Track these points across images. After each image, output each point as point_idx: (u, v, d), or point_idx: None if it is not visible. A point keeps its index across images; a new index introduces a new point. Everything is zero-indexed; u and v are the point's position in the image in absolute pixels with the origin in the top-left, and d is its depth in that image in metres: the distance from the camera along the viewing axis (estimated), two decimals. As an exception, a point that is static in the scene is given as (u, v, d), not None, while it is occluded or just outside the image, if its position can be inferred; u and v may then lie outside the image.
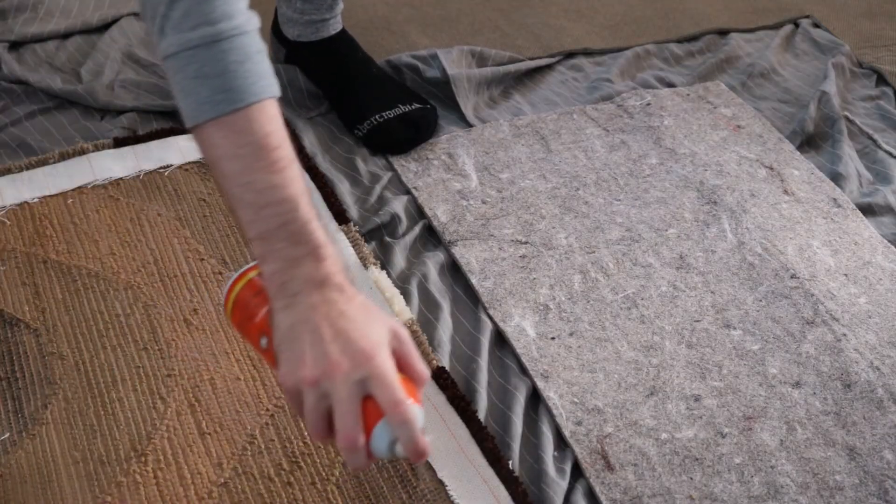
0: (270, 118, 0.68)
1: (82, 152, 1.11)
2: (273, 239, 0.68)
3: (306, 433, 0.84)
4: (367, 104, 1.19)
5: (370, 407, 0.66)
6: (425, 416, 0.87)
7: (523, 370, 0.93)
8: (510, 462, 0.84)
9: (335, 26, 1.25)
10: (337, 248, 0.71)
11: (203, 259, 1.00)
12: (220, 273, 0.98)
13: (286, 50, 1.27)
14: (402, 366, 0.69)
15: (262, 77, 0.68)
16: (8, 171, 1.08)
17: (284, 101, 1.23)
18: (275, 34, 1.29)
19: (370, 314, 0.69)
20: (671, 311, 1.00)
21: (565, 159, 1.20)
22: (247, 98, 0.67)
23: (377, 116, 1.18)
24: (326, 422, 0.66)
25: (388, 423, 0.66)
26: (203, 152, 0.69)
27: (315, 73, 1.25)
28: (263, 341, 0.72)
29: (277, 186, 0.67)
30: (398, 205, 1.10)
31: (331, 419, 0.66)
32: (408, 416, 0.65)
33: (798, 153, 1.23)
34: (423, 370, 0.70)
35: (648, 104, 1.30)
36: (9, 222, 1.02)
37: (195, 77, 0.67)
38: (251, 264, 0.75)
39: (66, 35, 1.33)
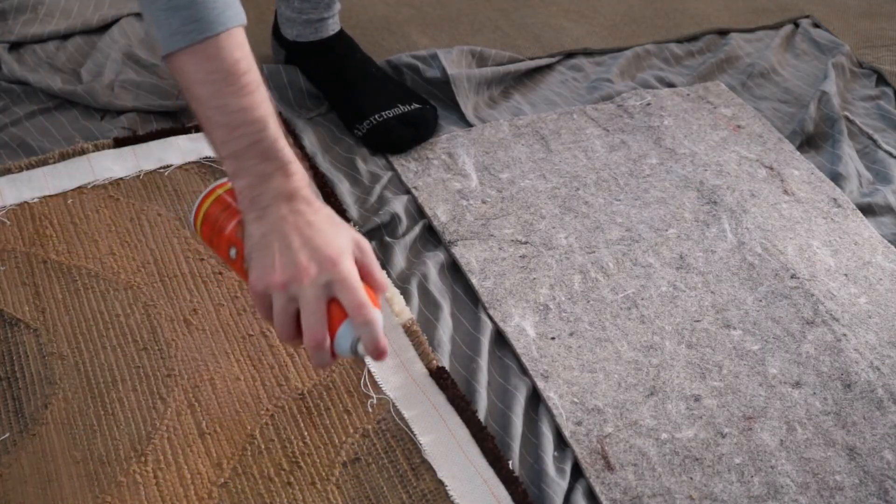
0: (238, 45, 0.73)
1: (82, 152, 1.11)
2: (244, 157, 0.73)
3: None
4: (366, 104, 1.19)
5: (335, 309, 0.72)
6: (428, 417, 0.87)
7: (523, 370, 0.93)
8: (510, 462, 0.84)
9: (333, 27, 1.25)
10: (302, 165, 0.76)
11: (203, 259, 1.00)
12: (221, 273, 0.98)
13: (286, 51, 1.27)
14: (364, 274, 0.75)
15: (230, 7, 0.72)
16: (8, 171, 1.08)
17: (284, 101, 1.24)
18: (275, 36, 1.29)
19: (335, 225, 0.75)
20: (671, 311, 1.00)
21: (565, 159, 1.20)
22: (215, 27, 0.71)
23: (376, 116, 1.18)
24: (294, 323, 0.72)
25: (351, 324, 0.71)
26: (177, 79, 0.74)
27: (315, 73, 1.25)
28: (232, 252, 0.78)
29: (247, 108, 0.72)
30: (398, 205, 1.10)
31: (298, 321, 0.72)
32: (370, 317, 0.71)
33: (798, 153, 1.23)
34: (383, 279, 0.77)
35: (648, 104, 1.30)
36: (9, 222, 1.02)
37: (166, 9, 0.71)
38: (218, 182, 0.81)
39: (66, 35, 1.33)
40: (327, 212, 0.76)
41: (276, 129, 0.74)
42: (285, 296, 0.71)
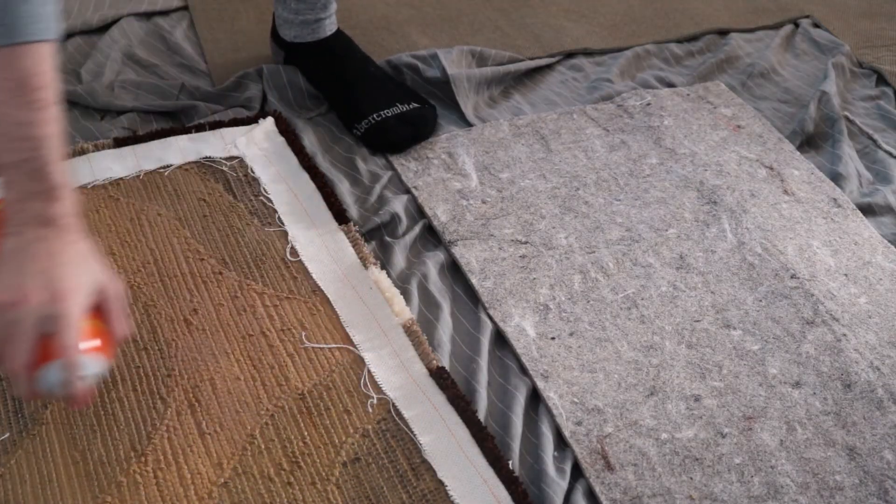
0: (39, 60, 0.71)
1: (82, 152, 1.11)
2: (15, 171, 0.72)
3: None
4: (365, 103, 1.19)
5: (52, 345, 0.71)
6: (428, 417, 0.87)
7: (523, 370, 0.93)
8: (510, 462, 0.84)
9: (331, 27, 1.25)
10: (75, 193, 0.76)
11: (203, 259, 1.00)
12: (220, 273, 0.98)
13: (285, 53, 1.27)
14: (105, 319, 0.75)
15: (39, 20, 0.72)
16: (8, 171, 1.08)
17: (284, 101, 1.24)
18: (273, 38, 1.29)
19: (83, 262, 0.74)
20: (671, 311, 1.00)
21: (565, 159, 1.20)
22: (17, 37, 0.70)
23: (375, 115, 1.18)
24: (6, 346, 0.71)
25: (59, 364, 0.71)
26: None
27: (314, 73, 1.25)
28: None
29: (28, 124, 0.71)
30: (398, 204, 1.10)
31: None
32: (72, 361, 0.71)
33: (798, 153, 1.23)
34: (123, 327, 0.77)
35: (648, 104, 1.30)
36: (9, 222, 1.02)
37: None
38: None
39: (65, 35, 1.33)
40: (82, 247, 0.75)
41: (53, 151, 0.73)
42: (5, 317, 0.70)
